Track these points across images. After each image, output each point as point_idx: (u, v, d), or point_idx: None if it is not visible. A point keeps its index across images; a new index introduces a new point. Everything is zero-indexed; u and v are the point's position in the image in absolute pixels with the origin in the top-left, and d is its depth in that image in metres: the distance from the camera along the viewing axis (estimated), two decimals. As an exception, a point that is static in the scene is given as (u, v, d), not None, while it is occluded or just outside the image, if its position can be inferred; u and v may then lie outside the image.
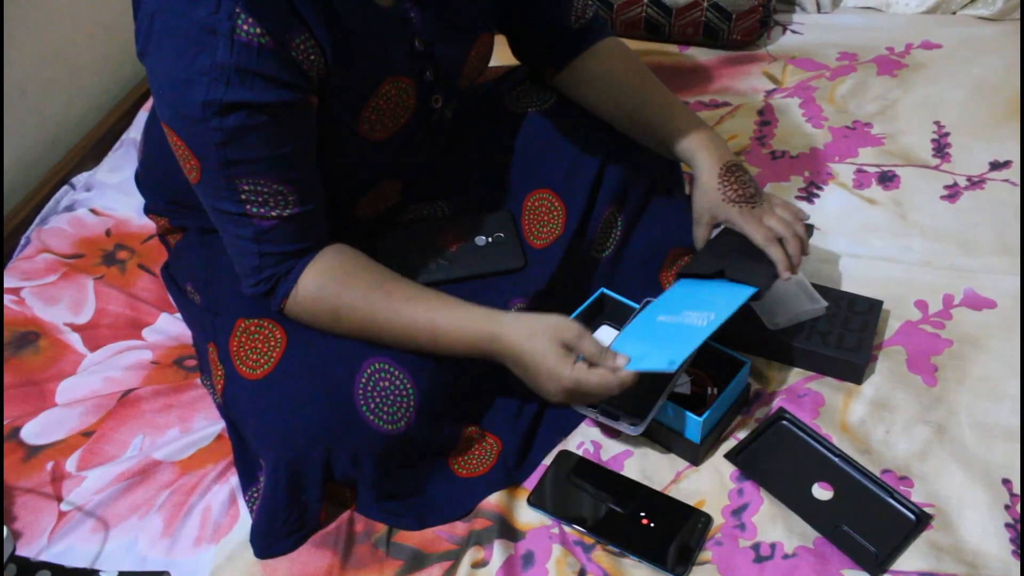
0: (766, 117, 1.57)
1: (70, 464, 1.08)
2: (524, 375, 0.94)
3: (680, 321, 0.98)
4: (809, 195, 1.40)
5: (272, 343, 0.99)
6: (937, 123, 1.54)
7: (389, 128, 1.00)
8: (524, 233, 1.13)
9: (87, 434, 1.11)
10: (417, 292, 0.97)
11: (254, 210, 0.90)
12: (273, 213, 0.90)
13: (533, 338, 0.92)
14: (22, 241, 1.41)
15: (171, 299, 1.25)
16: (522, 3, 1.10)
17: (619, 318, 1.12)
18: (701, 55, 1.76)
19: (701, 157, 1.07)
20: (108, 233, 1.40)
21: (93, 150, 1.59)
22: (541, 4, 1.11)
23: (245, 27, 0.82)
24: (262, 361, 0.98)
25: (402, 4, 0.96)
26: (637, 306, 1.10)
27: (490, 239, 1.12)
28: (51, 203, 1.47)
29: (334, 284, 0.95)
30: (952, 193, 1.40)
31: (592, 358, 0.92)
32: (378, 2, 0.93)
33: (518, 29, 1.14)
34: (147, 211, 1.25)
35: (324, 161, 0.97)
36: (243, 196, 0.89)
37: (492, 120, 1.18)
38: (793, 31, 1.81)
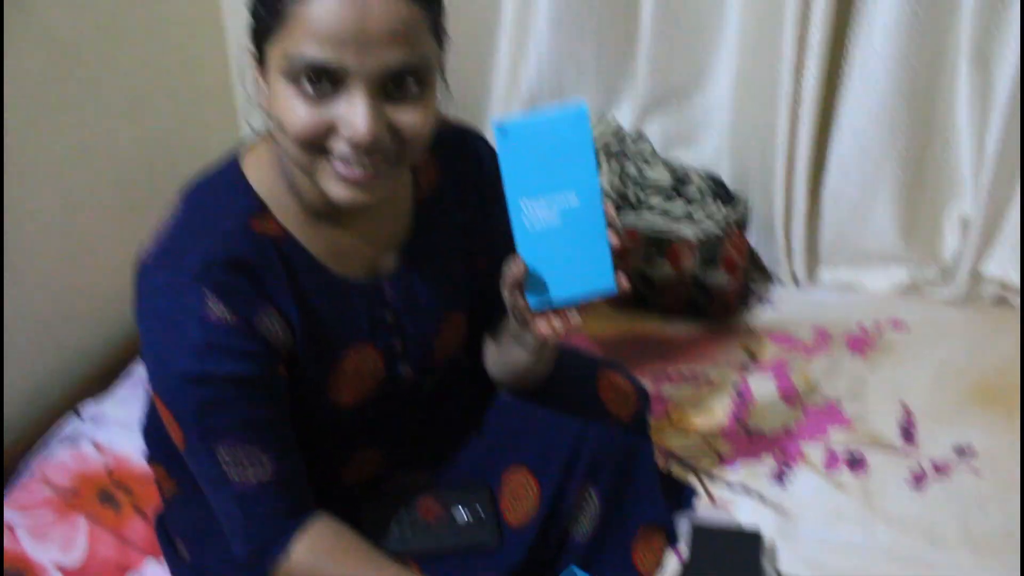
0: (742, 393, 1.64)
1: None
2: None
3: None
4: (780, 476, 1.44)
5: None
6: (903, 405, 1.60)
7: (358, 394, 1.06)
8: (500, 509, 1.17)
9: None
10: (401, 573, 1.02)
11: (233, 474, 0.96)
12: (251, 476, 0.96)
13: None
14: (22, 469, 1.45)
15: (161, 550, 1.27)
16: (481, 293, 1.15)
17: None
18: (683, 327, 1.84)
19: None
20: (108, 471, 1.44)
21: (102, 380, 1.65)
22: (493, 290, 1.15)
23: (214, 308, 0.91)
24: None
25: (377, 279, 1.04)
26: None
27: (468, 514, 1.16)
28: (54, 429, 1.52)
29: (325, 556, 1.00)
30: (918, 479, 1.44)
31: None
32: (350, 277, 1.01)
33: (480, 314, 1.19)
34: (148, 459, 1.30)
35: (301, 426, 1.03)
36: (221, 461, 0.95)
37: (476, 398, 1.24)
38: (771, 304, 1.91)
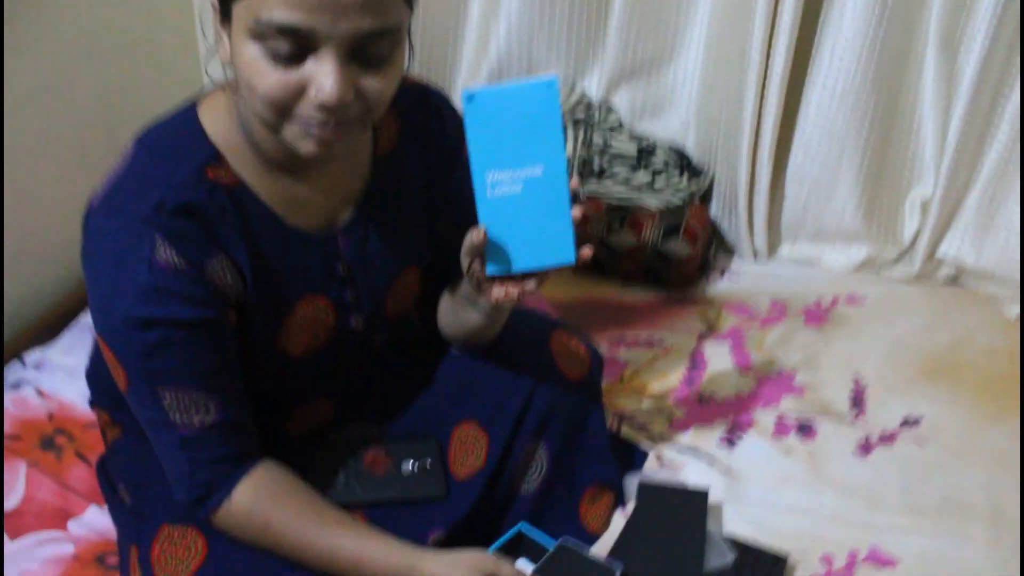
0: (697, 360, 1.65)
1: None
2: None
3: None
4: (730, 441, 1.46)
5: (192, 552, 1.01)
6: (855, 376, 1.62)
7: (308, 345, 1.06)
8: (450, 462, 1.17)
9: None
10: (345, 519, 1.02)
11: (177, 418, 0.95)
12: (196, 421, 0.95)
13: (453, 570, 0.96)
14: (-34, 416, 1.43)
15: (102, 494, 1.26)
16: (441, 249, 1.15)
17: (537, 553, 1.14)
18: (642, 294, 1.85)
19: None
20: (50, 416, 1.42)
21: (50, 329, 1.63)
22: (452, 250, 1.16)
23: (163, 253, 0.91)
24: (180, 569, 1.00)
25: (331, 230, 1.03)
26: (554, 542, 1.13)
27: (416, 466, 1.16)
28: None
29: (267, 501, 0.99)
30: (865, 447, 1.46)
31: None
32: (304, 229, 1.01)
33: (436, 271, 1.19)
34: (92, 403, 1.29)
35: (250, 374, 1.03)
36: (166, 404, 0.95)
37: (427, 353, 1.24)
38: (731, 277, 1.93)
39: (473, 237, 0.93)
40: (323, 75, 0.83)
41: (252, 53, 0.84)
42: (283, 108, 0.86)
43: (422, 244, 1.14)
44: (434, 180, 1.11)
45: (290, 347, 1.04)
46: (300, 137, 0.88)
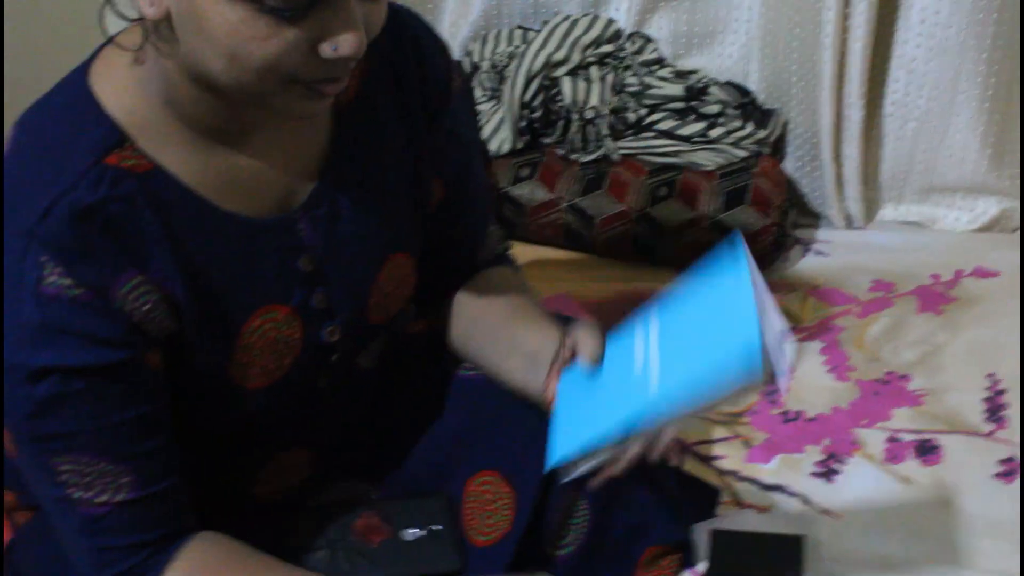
0: (779, 366, 1.67)
1: None
2: None
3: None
4: (828, 471, 1.48)
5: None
6: (991, 376, 1.63)
7: (270, 372, 1.05)
8: (464, 526, 1.19)
9: None
10: None
11: (77, 495, 0.95)
12: (102, 499, 0.95)
13: None
14: None
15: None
16: (433, 230, 1.16)
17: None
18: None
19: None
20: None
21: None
22: (452, 234, 1.19)
23: (52, 277, 0.89)
24: None
25: (288, 215, 1.03)
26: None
27: (422, 533, 1.18)
28: None
29: None
30: (1008, 471, 1.47)
31: None
32: (249, 215, 1.00)
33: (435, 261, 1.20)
34: (-2, 481, 1.31)
35: (196, 424, 1.03)
36: (63, 478, 0.94)
37: (431, 378, 1.26)
38: (817, 251, 1.94)
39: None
40: (341, 25, 0.85)
41: (236, 15, 0.83)
42: (287, 75, 0.87)
43: (411, 221, 1.14)
44: (420, 133, 1.11)
45: (247, 380, 1.04)
46: (302, 99, 0.90)
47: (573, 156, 1.97)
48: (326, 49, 0.86)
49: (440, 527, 1.19)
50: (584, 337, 1.08)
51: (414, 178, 1.12)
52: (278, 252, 1.02)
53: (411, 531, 1.18)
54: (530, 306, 1.20)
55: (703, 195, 1.85)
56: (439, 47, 1.12)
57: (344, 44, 0.86)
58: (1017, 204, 1.98)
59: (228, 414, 1.07)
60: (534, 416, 1.20)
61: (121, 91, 0.94)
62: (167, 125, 0.94)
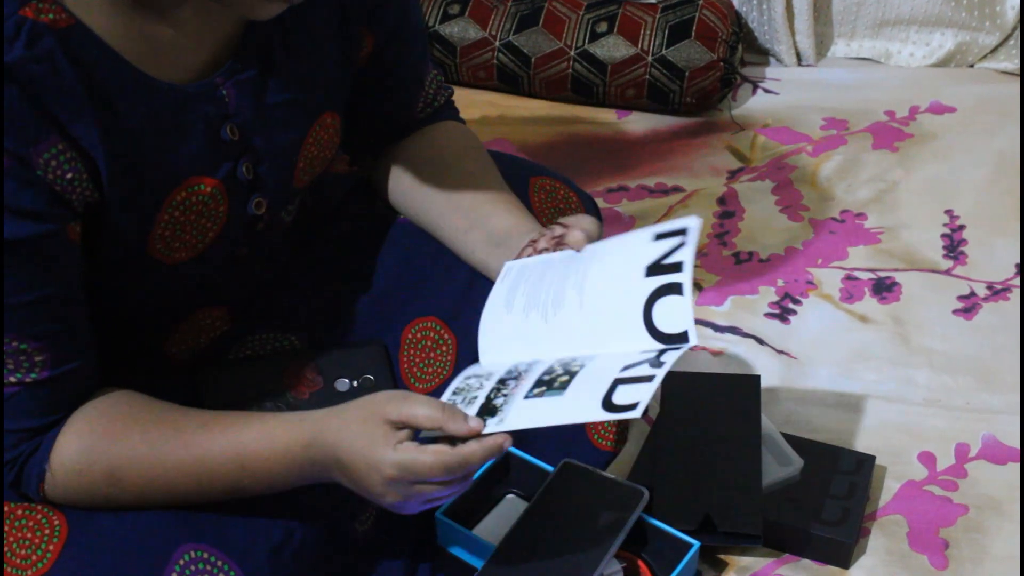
0: (729, 207, 1.65)
1: None
2: (355, 486, 0.95)
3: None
4: (783, 312, 1.47)
5: (46, 532, 1.00)
6: (949, 212, 1.63)
7: (192, 246, 1.04)
8: (402, 374, 1.17)
9: None
10: (212, 416, 1.00)
11: None
12: (13, 379, 0.93)
13: (346, 425, 0.94)
14: None
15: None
16: (363, 82, 1.14)
17: (529, 484, 1.16)
18: (645, 123, 1.84)
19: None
20: None
21: None
22: (386, 85, 1.17)
23: None
24: (34, 559, 0.99)
25: (211, 78, 1.00)
26: (552, 468, 1.14)
27: (355, 383, 1.15)
28: None
29: (104, 440, 0.97)
30: (968, 307, 1.48)
31: (434, 424, 0.91)
32: (173, 81, 0.98)
33: (350, 113, 1.18)
34: None
35: (113, 294, 1.01)
36: None
37: (360, 224, 1.23)
38: (766, 90, 1.92)
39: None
40: None
41: None
42: None
43: (340, 78, 1.11)
44: None
45: (167, 254, 1.01)
46: (262, 1, 0.88)
47: (506, -9, 1.92)
48: None
49: (372, 377, 1.15)
50: (579, 228, 1.05)
51: (343, 33, 1.09)
52: (203, 120, 0.99)
53: (343, 381, 1.15)
54: (493, 180, 1.19)
55: (645, 29, 1.82)
56: None
57: None
58: (975, 37, 1.96)
59: (144, 286, 1.05)
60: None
61: None
62: None
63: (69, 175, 0.91)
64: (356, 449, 0.92)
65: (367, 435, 0.92)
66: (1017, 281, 1.51)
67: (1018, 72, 1.94)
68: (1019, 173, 1.69)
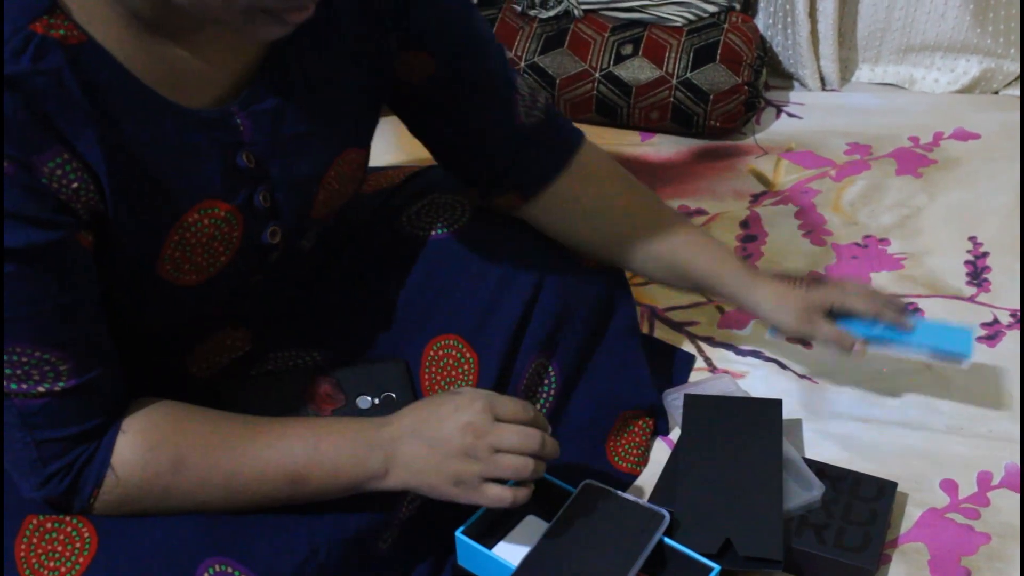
0: (752, 230, 1.66)
1: None
2: (426, 451, 0.99)
3: None
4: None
5: (77, 545, 1.01)
6: (973, 239, 1.64)
7: (203, 269, 1.04)
8: (423, 392, 1.17)
9: None
10: (277, 424, 1.03)
11: (13, 386, 0.93)
12: (40, 388, 0.93)
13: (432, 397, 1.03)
14: None
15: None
16: (439, 101, 1.14)
17: (549, 504, 1.16)
18: (669, 146, 1.85)
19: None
20: None
21: None
22: (471, 99, 1.15)
23: None
24: (63, 571, 1.00)
25: (227, 106, 1.00)
26: (573, 489, 1.14)
27: (377, 400, 1.16)
28: None
29: (169, 431, 0.98)
30: (991, 334, 1.48)
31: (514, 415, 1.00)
32: (186, 105, 0.98)
33: (442, 136, 1.18)
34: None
35: (130, 313, 1.01)
36: None
37: (383, 245, 1.23)
38: (790, 114, 1.93)
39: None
40: None
41: None
42: (252, 3, 0.86)
43: (364, 114, 1.12)
44: (380, 19, 1.08)
45: (176, 275, 1.02)
46: (266, 25, 0.89)
47: (532, 12, 1.93)
48: None
49: (393, 394, 1.16)
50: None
51: (374, 69, 1.09)
52: (218, 147, 1.00)
53: (365, 399, 1.16)
54: (662, 212, 1.28)
55: (670, 52, 1.83)
56: None
57: None
58: (1000, 64, 1.97)
59: (158, 307, 1.05)
60: (493, 279, 1.18)
61: None
62: (106, 5, 0.91)
63: (75, 184, 0.91)
64: (437, 397, 1.03)
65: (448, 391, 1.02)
66: (1041, 309, 1.52)
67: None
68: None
